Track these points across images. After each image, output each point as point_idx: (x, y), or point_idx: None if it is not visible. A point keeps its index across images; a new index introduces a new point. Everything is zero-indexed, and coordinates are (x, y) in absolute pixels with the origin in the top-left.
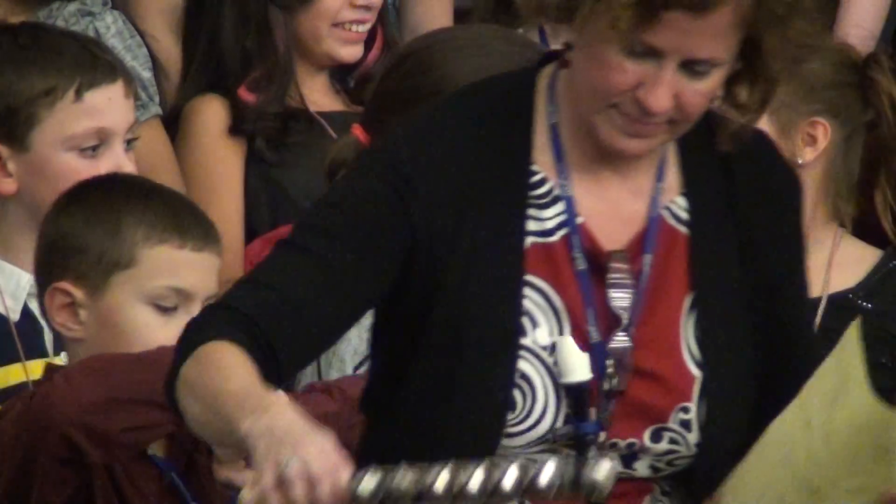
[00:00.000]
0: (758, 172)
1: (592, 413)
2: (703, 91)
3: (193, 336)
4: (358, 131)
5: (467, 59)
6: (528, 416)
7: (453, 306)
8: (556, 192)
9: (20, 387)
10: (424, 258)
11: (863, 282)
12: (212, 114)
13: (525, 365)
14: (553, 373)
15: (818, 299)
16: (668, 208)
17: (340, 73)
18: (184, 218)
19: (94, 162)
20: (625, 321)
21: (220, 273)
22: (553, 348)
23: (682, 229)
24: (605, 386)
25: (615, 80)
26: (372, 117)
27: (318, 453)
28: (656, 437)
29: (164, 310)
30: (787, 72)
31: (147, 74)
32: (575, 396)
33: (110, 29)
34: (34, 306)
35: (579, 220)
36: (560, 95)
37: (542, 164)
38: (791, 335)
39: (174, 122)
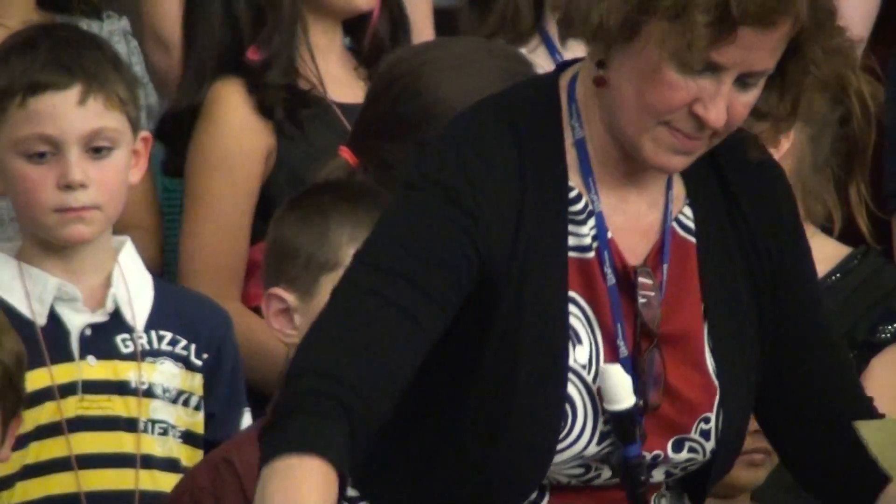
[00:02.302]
0: (747, 172)
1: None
2: (749, 102)
3: (289, 429)
4: (346, 154)
5: (454, 81)
6: (567, 435)
7: (508, 326)
8: (590, 207)
9: (45, 391)
10: (484, 282)
11: (820, 281)
12: (231, 97)
13: (569, 387)
14: (591, 392)
15: None
16: (677, 219)
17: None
18: None
19: (42, 169)
20: (655, 337)
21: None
22: (590, 367)
23: (691, 239)
24: (640, 403)
25: (673, 98)
26: (361, 141)
27: None
28: (678, 448)
29: None
30: (817, 79)
31: None
32: (621, 422)
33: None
34: (61, 310)
35: (609, 235)
36: (583, 109)
37: (574, 179)
38: (807, 328)
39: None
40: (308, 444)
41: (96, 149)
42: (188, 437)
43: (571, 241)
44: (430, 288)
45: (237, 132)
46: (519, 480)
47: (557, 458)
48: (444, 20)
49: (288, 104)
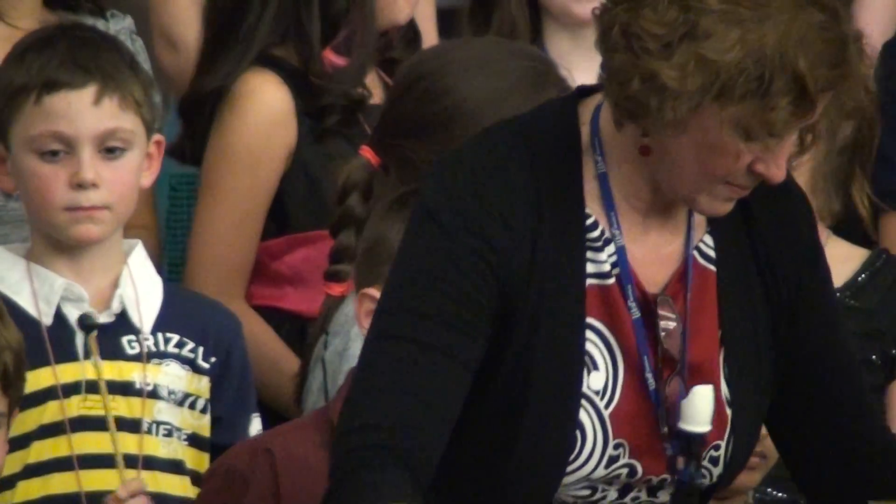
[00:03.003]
0: (767, 193)
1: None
2: (793, 142)
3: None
4: (368, 153)
5: (478, 81)
6: (576, 459)
7: (522, 350)
8: (607, 235)
9: (49, 391)
10: (502, 305)
11: (850, 281)
12: (266, 91)
13: (581, 413)
14: (603, 418)
15: None
16: (697, 248)
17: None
18: None
19: (54, 167)
20: (679, 364)
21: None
22: (604, 393)
23: (711, 268)
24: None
25: (737, 164)
26: (383, 140)
27: None
28: None
29: None
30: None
31: None
32: (690, 444)
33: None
34: (67, 310)
35: (630, 268)
36: (608, 146)
37: (593, 209)
38: (826, 348)
39: (213, 98)
40: (381, 497)
41: (109, 149)
42: (194, 440)
43: (590, 267)
44: (463, 324)
45: (267, 127)
46: (526, 502)
47: (565, 480)
48: (445, 20)
49: (344, 117)
